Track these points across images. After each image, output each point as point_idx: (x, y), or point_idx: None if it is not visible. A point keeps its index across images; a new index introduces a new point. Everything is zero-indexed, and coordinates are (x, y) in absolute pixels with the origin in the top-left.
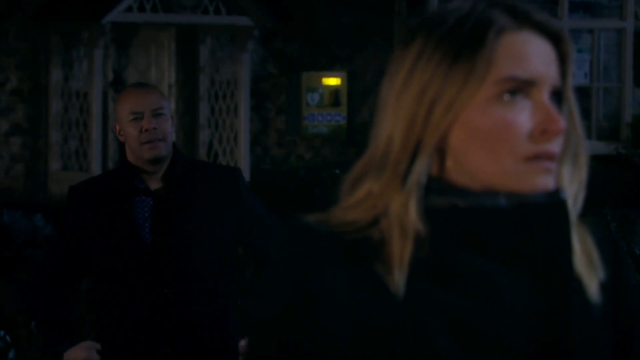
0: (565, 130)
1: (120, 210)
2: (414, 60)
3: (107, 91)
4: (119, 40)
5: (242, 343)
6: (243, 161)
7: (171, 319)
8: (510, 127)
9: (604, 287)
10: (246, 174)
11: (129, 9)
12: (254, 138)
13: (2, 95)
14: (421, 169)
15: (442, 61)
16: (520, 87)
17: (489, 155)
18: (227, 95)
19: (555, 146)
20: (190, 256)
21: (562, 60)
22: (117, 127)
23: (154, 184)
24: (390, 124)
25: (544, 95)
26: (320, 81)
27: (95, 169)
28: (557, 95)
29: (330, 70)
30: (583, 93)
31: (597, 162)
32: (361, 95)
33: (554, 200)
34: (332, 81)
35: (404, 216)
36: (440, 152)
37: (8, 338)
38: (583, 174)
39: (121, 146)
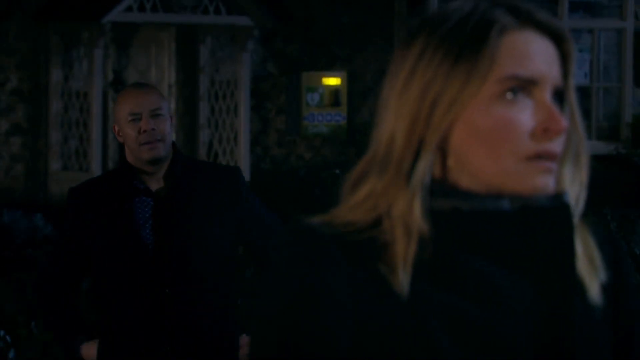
0: (567, 131)
1: (120, 211)
2: (416, 59)
3: (107, 91)
4: (119, 40)
5: (244, 339)
6: (243, 161)
7: (172, 319)
8: (512, 125)
9: (605, 288)
10: (246, 174)
11: (129, 8)
12: (254, 138)
13: (2, 95)
14: (425, 168)
15: (444, 60)
16: (522, 86)
17: (490, 154)
18: (227, 95)
19: (556, 146)
20: (191, 256)
21: (564, 60)
22: (116, 128)
23: (154, 185)
24: (392, 123)
25: (546, 95)
26: (320, 81)
27: (95, 169)
28: (559, 95)
29: (330, 70)
30: (583, 93)
31: (597, 162)
32: (361, 95)
33: (558, 204)
34: (332, 81)
35: (408, 216)
36: (442, 152)
37: (8, 338)
38: (584, 174)
39: (121, 146)
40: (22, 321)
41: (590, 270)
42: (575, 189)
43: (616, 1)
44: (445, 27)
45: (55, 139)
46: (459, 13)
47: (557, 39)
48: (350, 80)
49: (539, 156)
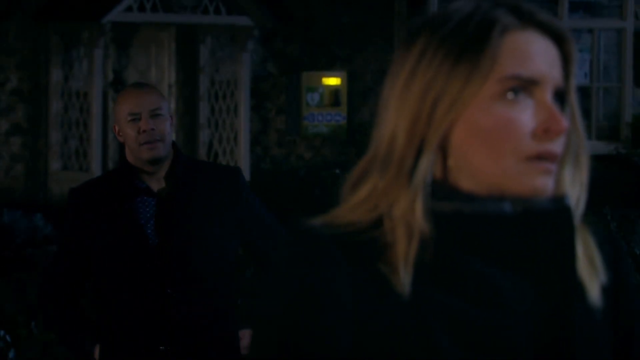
0: (567, 132)
1: (122, 211)
2: (417, 59)
3: (107, 91)
4: (119, 40)
5: (244, 332)
6: (243, 161)
7: (172, 319)
8: (513, 125)
9: (605, 289)
10: (246, 174)
11: (129, 8)
12: (254, 138)
13: (2, 95)
14: (426, 166)
15: (445, 59)
16: (524, 86)
17: (490, 153)
18: (227, 95)
19: (557, 146)
20: (191, 256)
21: (566, 61)
22: (117, 128)
23: (155, 184)
24: (394, 122)
25: (547, 95)
26: (320, 81)
27: (95, 169)
28: (559, 96)
29: (330, 70)
30: (583, 93)
31: (597, 162)
32: (361, 95)
33: (559, 207)
34: (332, 81)
35: (410, 215)
36: (443, 152)
37: (8, 338)
38: (584, 176)
39: (121, 146)
40: (22, 321)
41: (591, 272)
42: (575, 190)
43: (616, 1)
44: (446, 27)
45: (55, 139)
46: (460, 13)
47: (558, 40)
48: (350, 80)
49: (540, 157)
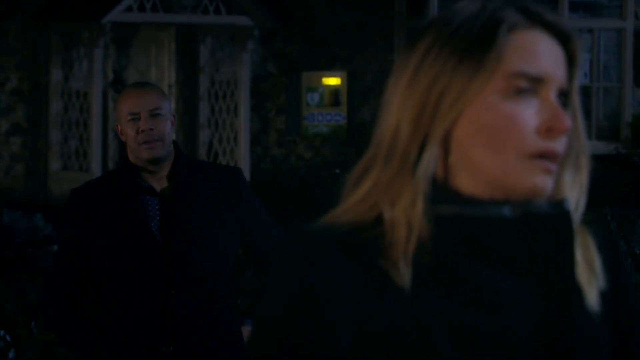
0: (568, 133)
1: (125, 209)
2: (423, 54)
3: (107, 91)
4: (119, 40)
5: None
6: (243, 161)
7: (173, 319)
8: (516, 122)
9: (604, 292)
10: (246, 174)
11: (129, 8)
12: (254, 138)
13: (2, 95)
14: (429, 160)
15: (451, 55)
16: (529, 84)
17: (492, 150)
18: (227, 95)
19: (559, 145)
20: (192, 256)
21: (571, 62)
22: (119, 127)
23: (156, 184)
24: (398, 115)
25: (551, 94)
26: (320, 81)
27: (95, 169)
28: (562, 97)
29: (330, 70)
30: (583, 93)
31: (597, 162)
32: (361, 95)
33: (558, 211)
34: (332, 81)
35: (411, 209)
36: (445, 149)
37: (8, 338)
38: (584, 178)
39: (122, 146)
40: (22, 321)
41: (589, 276)
42: (575, 192)
43: (616, 1)
44: (454, 24)
45: (55, 139)
46: (467, 11)
47: (564, 40)
48: (350, 80)
49: (541, 155)
